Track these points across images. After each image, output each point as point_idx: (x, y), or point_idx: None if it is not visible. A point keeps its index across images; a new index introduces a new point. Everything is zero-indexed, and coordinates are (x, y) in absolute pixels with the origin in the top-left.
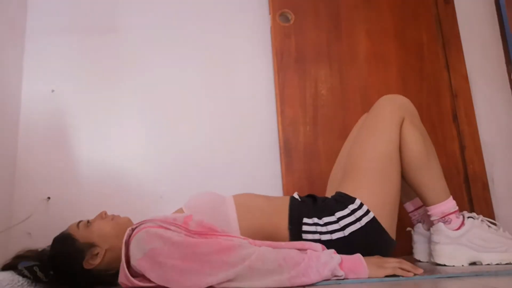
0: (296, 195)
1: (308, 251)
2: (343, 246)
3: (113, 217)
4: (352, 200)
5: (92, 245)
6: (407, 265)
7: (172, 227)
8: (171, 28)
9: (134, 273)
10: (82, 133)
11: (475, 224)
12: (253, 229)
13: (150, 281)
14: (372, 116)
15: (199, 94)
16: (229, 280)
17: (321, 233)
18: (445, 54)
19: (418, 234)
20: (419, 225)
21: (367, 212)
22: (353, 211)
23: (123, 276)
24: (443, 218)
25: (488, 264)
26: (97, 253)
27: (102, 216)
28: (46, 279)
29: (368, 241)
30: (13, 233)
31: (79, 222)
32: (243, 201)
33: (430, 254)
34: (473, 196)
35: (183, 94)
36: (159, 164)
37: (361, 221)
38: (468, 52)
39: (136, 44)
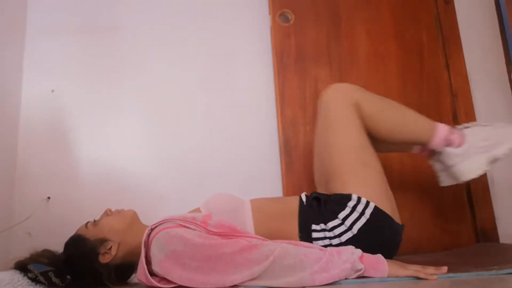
0: (303, 197)
1: (329, 247)
2: (354, 245)
3: (119, 212)
4: (348, 197)
5: (104, 240)
6: (430, 269)
7: (192, 226)
8: (171, 29)
9: (153, 272)
10: (82, 133)
11: (473, 131)
12: (267, 235)
13: (169, 282)
14: (328, 113)
15: (199, 94)
16: (253, 278)
17: (330, 238)
18: (445, 54)
19: (437, 162)
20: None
21: (367, 203)
22: (354, 207)
23: (142, 274)
24: (446, 143)
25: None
26: (111, 247)
27: (108, 213)
28: (63, 284)
29: (377, 232)
30: (13, 233)
31: (87, 223)
32: (259, 206)
33: (455, 177)
34: (473, 196)
35: (183, 94)
36: (159, 164)
37: (365, 214)
38: (468, 52)
39: (136, 43)
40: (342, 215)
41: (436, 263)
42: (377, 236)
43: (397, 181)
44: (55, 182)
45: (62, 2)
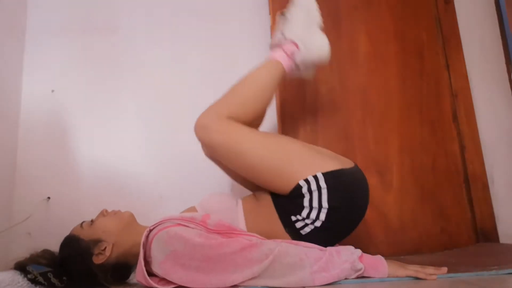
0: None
1: (328, 247)
2: (336, 218)
3: (115, 213)
4: (297, 188)
5: (98, 241)
6: (430, 269)
7: (191, 225)
8: (171, 29)
9: (151, 272)
10: (82, 133)
11: (290, 27)
12: (257, 233)
13: (169, 282)
14: (216, 150)
15: (199, 94)
16: (253, 277)
17: (312, 223)
18: (445, 54)
19: (303, 71)
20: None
21: (316, 177)
22: (309, 190)
23: (141, 275)
24: (291, 58)
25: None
26: (105, 248)
27: (104, 213)
28: (62, 285)
29: (342, 190)
30: (13, 233)
31: (82, 222)
32: (248, 205)
33: (321, 65)
34: (473, 196)
35: (183, 94)
36: (159, 164)
37: (322, 186)
38: (468, 52)
39: (135, 43)
40: (306, 202)
41: (436, 263)
42: (345, 193)
43: (397, 181)
44: (55, 182)
45: (62, 2)
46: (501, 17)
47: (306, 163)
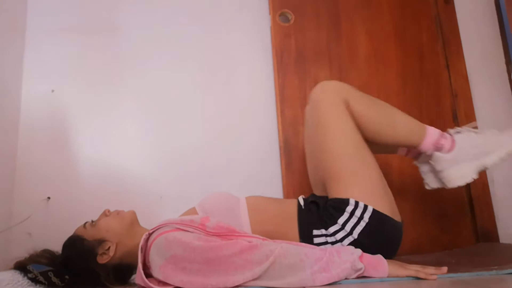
0: (301, 200)
1: (329, 247)
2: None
3: (118, 212)
4: (346, 202)
5: (102, 241)
6: (430, 269)
7: (190, 229)
8: (171, 29)
9: (151, 276)
10: (82, 133)
11: (464, 137)
12: (264, 234)
13: (168, 286)
14: (318, 113)
15: (199, 94)
16: (254, 279)
17: (332, 243)
18: (445, 54)
19: (424, 164)
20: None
21: (365, 207)
22: (352, 212)
23: (140, 278)
24: (436, 147)
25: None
26: (109, 247)
27: (106, 213)
28: (62, 284)
29: (378, 234)
30: (13, 233)
31: (85, 223)
32: (255, 205)
33: (441, 182)
34: (473, 196)
35: (183, 94)
36: (159, 164)
37: (364, 219)
38: (468, 52)
39: (136, 44)
40: (341, 220)
41: (436, 263)
42: (378, 238)
43: (397, 181)
44: (55, 182)
45: (62, 2)
46: (501, 17)
47: (369, 190)
